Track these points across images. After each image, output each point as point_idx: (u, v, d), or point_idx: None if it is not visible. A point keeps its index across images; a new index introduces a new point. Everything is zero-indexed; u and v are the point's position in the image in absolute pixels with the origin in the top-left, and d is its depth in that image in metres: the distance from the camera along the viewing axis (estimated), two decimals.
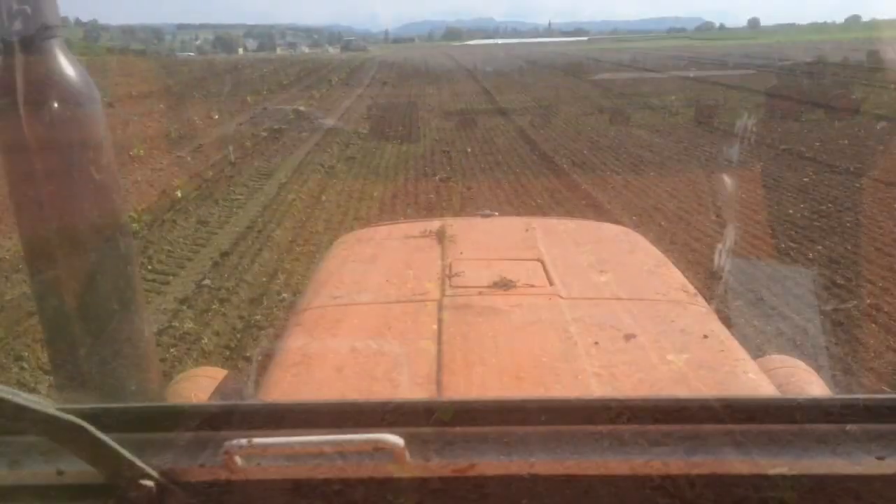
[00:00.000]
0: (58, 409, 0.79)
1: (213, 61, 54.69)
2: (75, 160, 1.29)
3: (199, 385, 2.33)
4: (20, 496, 0.86)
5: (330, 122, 15.91)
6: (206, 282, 5.92)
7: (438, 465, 0.85)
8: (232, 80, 29.50)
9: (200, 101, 20.44)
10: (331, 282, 2.03)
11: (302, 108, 18.46)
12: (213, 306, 5.40)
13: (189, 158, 11.72)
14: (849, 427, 0.86)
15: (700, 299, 1.90)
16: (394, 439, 0.82)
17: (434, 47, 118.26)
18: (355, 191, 9.21)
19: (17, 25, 1.24)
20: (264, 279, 6.00)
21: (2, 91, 1.26)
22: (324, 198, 8.84)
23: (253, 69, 38.74)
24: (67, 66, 1.31)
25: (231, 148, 11.84)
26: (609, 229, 2.95)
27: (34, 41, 1.27)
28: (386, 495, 0.88)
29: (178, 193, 8.92)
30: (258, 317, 5.23)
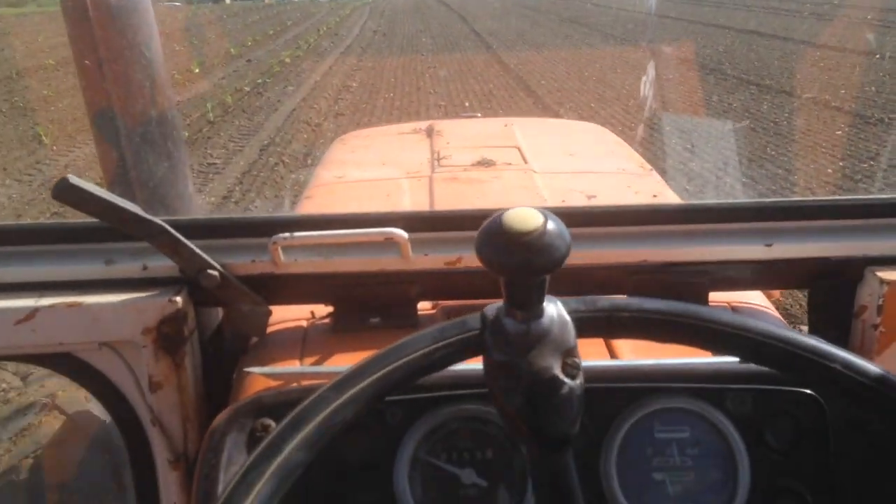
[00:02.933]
0: (148, 216, 0.98)
1: (199, 11, 52.94)
2: (129, 39, 1.52)
3: None
4: (114, 287, 1.07)
5: (317, 76, 14.94)
6: None
7: (433, 259, 1.09)
8: (216, 32, 28.19)
9: (182, 54, 19.38)
10: (333, 168, 2.27)
11: (287, 60, 17.45)
12: None
13: None
14: (744, 224, 1.13)
15: (655, 173, 2.15)
16: (400, 232, 1.07)
17: None
18: None
19: None
20: None
21: None
22: (310, 161, 8.05)
23: (239, 18, 37.26)
24: None
25: (210, 105, 10.96)
26: (580, 125, 3.49)
27: None
28: (393, 285, 1.12)
29: None
30: None
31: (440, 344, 0.68)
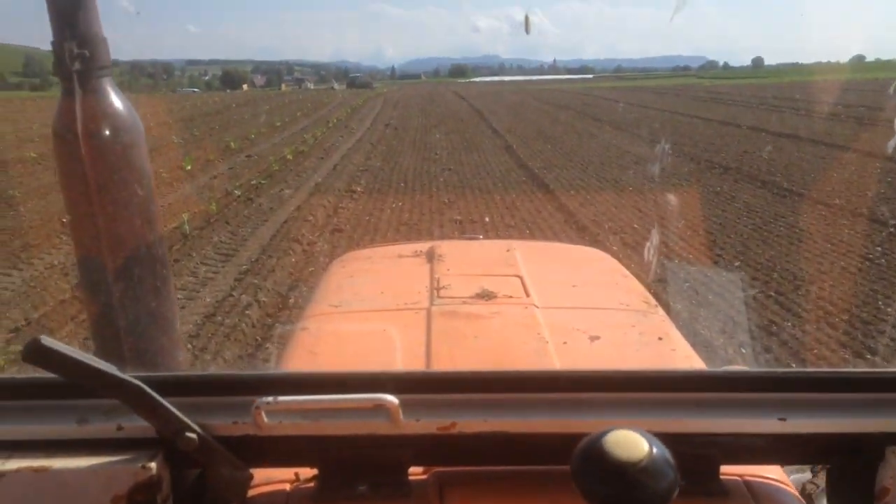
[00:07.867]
0: (124, 375, 0.94)
1: (211, 99, 52.91)
2: (123, 179, 1.51)
3: None
4: (85, 448, 0.99)
5: (318, 177, 13.48)
6: None
7: (426, 424, 1.01)
8: (221, 122, 27.20)
9: (177, 148, 18.15)
10: (331, 294, 2.19)
11: (289, 157, 16.11)
12: None
13: None
14: (757, 395, 1.04)
15: (660, 310, 2.05)
16: (391, 398, 0.99)
17: (440, 84, 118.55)
18: None
19: (77, 66, 1.51)
20: None
21: (64, 122, 1.52)
22: (292, 302, 6.35)
23: (249, 107, 36.63)
24: (117, 100, 1.59)
25: (186, 217, 9.39)
26: (582, 250, 3.47)
27: (91, 79, 1.55)
28: (383, 449, 1.04)
29: None
30: None
31: None
